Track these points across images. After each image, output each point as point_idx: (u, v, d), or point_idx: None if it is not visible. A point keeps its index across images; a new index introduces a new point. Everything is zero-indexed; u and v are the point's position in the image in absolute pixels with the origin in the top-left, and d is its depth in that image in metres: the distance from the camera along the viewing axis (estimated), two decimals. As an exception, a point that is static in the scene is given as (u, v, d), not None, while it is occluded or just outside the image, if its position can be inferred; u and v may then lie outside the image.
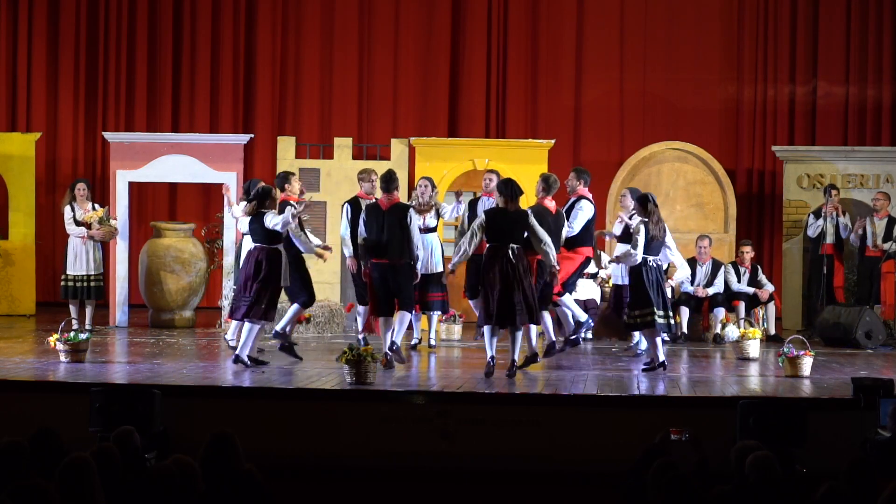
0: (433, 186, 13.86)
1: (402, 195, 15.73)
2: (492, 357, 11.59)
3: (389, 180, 12.29)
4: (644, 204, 12.11)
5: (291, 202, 12.69)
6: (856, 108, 18.16)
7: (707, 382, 11.62)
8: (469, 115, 18.74)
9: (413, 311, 12.56)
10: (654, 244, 12.06)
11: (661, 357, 12.08)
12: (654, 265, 12.08)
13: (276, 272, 12.01)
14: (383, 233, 12.12)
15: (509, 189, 11.66)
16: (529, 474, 10.10)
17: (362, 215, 12.42)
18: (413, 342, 13.97)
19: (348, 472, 10.17)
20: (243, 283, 12.08)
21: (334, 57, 18.81)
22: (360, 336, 12.94)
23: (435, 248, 13.56)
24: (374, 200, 12.63)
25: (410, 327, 15.03)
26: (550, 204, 12.20)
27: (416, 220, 12.39)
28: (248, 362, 11.93)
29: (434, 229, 13.65)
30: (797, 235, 16.39)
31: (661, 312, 12.02)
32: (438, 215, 13.71)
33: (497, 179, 13.11)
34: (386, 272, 12.12)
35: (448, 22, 18.75)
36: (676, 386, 11.29)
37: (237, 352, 12.02)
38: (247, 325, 12.00)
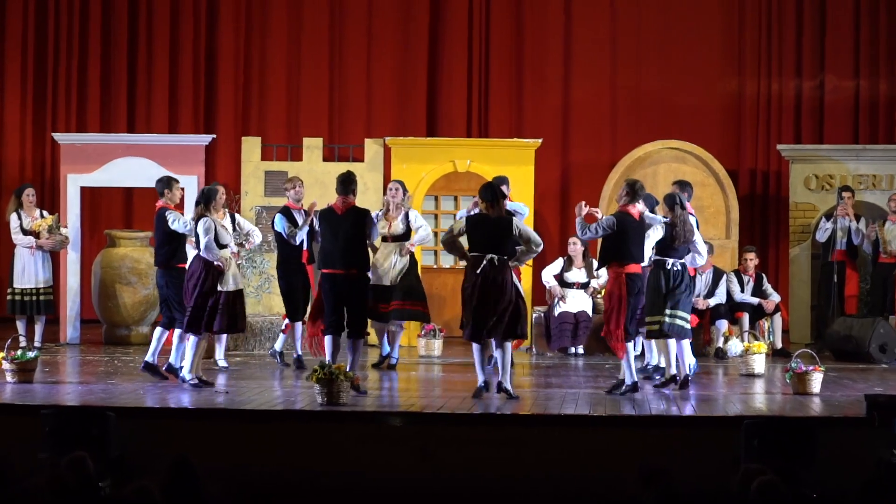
0: (405, 190, 13.78)
1: (377, 199, 15.75)
2: (484, 382, 11.40)
3: (346, 182, 11.99)
4: (671, 206, 12.10)
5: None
6: (867, 103, 18.22)
7: (708, 401, 11.64)
8: (449, 114, 18.73)
9: (365, 337, 12.19)
10: (679, 247, 12.06)
11: (674, 370, 12.04)
12: (676, 268, 12.03)
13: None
14: (337, 240, 11.86)
15: (489, 193, 11.54)
16: (517, 497, 10.08)
17: (315, 222, 12.81)
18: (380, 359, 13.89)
19: (320, 496, 10.13)
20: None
21: (302, 52, 18.79)
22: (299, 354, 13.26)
23: (398, 260, 13.44)
24: (302, 208, 12.97)
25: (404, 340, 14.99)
26: (634, 211, 12.02)
27: (376, 227, 12.34)
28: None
29: (403, 237, 13.50)
30: (805, 241, 16.41)
31: (669, 313, 11.97)
32: (408, 223, 13.53)
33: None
34: (338, 284, 11.82)
35: (426, 14, 18.74)
36: (675, 404, 11.29)
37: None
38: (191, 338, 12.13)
